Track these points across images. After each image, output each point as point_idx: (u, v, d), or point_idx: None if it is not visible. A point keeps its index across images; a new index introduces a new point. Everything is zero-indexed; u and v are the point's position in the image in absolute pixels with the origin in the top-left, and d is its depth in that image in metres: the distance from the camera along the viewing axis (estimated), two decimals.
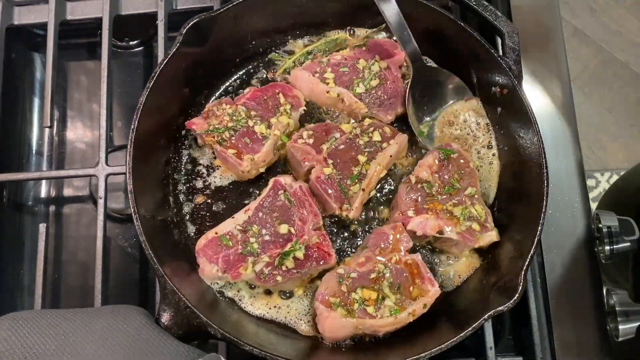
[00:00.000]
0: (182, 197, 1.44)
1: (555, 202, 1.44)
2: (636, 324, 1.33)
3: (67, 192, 1.70)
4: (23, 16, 1.68)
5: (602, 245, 1.39)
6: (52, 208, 1.70)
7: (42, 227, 1.45)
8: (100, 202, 1.45)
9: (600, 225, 1.39)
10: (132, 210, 1.23)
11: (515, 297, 1.15)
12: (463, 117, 1.46)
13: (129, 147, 1.28)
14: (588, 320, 1.37)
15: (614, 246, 1.37)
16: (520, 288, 1.15)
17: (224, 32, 1.38)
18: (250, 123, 1.36)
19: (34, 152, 1.74)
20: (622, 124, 3.26)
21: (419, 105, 1.44)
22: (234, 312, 1.32)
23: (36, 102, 1.78)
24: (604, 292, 1.39)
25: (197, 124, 1.37)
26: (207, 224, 1.41)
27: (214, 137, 1.36)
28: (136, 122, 1.29)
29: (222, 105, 1.39)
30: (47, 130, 1.75)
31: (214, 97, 1.52)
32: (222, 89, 1.53)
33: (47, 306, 1.56)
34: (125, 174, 1.27)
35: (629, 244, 1.37)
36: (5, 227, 1.66)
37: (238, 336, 1.15)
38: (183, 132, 1.47)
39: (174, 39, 1.67)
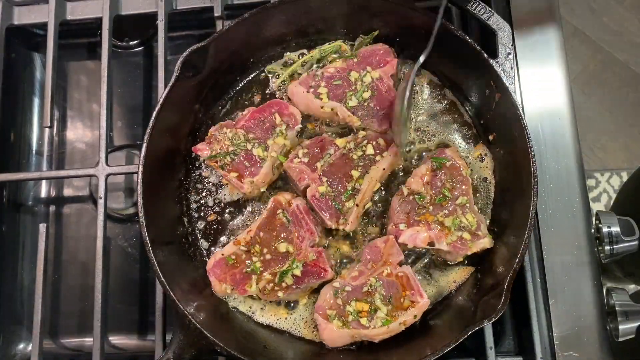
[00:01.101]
0: (194, 215, 1.47)
1: (555, 202, 1.44)
2: (636, 324, 1.34)
3: (67, 192, 1.70)
4: (23, 16, 1.68)
5: (602, 245, 1.39)
6: (52, 208, 1.70)
7: (42, 227, 1.45)
8: (100, 202, 1.45)
9: (600, 225, 1.39)
10: (145, 242, 1.27)
11: (498, 308, 1.15)
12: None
13: (138, 178, 1.30)
14: (588, 320, 1.37)
15: (614, 246, 1.38)
16: (502, 301, 1.16)
17: (219, 56, 1.39)
18: (249, 146, 1.40)
19: (34, 152, 1.74)
20: (622, 124, 3.26)
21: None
22: (247, 322, 1.38)
23: (36, 102, 1.78)
24: (604, 292, 1.39)
25: (201, 150, 1.42)
26: (220, 239, 1.45)
27: (216, 162, 1.40)
28: (144, 150, 1.31)
29: (223, 129, 1.42)
30: (47, 130, 1.75)
31: (220, 115, 1.53)
32: (226, 106, 1.54)
33: (47, 306, 1.56)
34: (138, 202, 1.29)
35: (629, 244, 1.38)
36: (5, 227, 1.66)
37: (245, 352, 1.22)
38: (192, 155, 1.48)
39: (174, 39, 1.68)
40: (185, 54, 1.31)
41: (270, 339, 1.35)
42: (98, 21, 1.61)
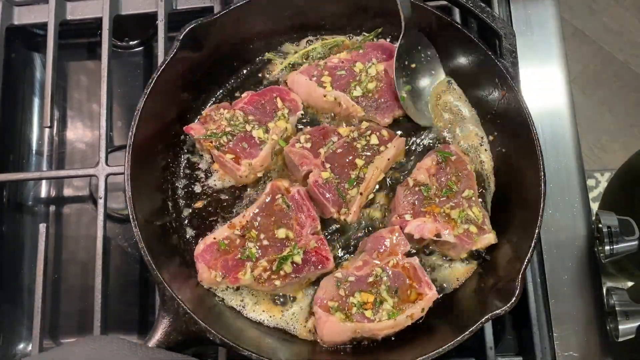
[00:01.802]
0: (181, 202, 1.43)
1: (555, 202, 1.44)
2: (636, 324, 1.34)
3: (67, 192, 1.70)
4: (23, 16, 1.68)
5: (602, 245, 1.39)
6: (52, 208, 1.70)
7: (42, 227, 1.45)
8: (100, 202, 1.45)
9: (600, 225, 1.39)
10: (131, 216, 1.23)
11: (513, 301, 1.14)
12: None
13: (127, 152, 1.27)
14: (588, 320, 1.37)
15: (614, 246, 1.37)
16: (517, 291, 1.15)
17: (221, 36, 1.38)
18: (248, 128, 1.36)
19: (34, 152, 1.74)
20: (622, 124, 3.26)
21: (405, 71, 1.44)
22: (235, 318, 1.32)
23: (36, 102, 1.78)
24: (604, 292, 1.39)
25: (195, 129, 1.37)
26: (206, 228, 1.41)
27: (211, 142, 1.35)
28: (134, 128, 1.28)
29: (220, 110, 1.39)
30: (47, 130, 1.75)
31: (212, 101, 1.51)
32: (219, 92, 1.52)
33: (47, 306, 1.56)
34: (123, 177, 1.27)
35: (629, 244, 1.37)
36: (5, 227, 1.66)
37: (237, 341, 1.16)
38: (182, 137, 1.46)
39: (174, 39, 1.67)
40: (190, 25, 1.29)
41: (262, 338, 1.30)
42: (98, 21, 1.61)
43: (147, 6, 1.64)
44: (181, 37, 1.29)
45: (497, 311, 1.14)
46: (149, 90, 1.30)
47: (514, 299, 1.14)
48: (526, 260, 1.19)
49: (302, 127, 1.47)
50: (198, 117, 1.43)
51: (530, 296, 1.37)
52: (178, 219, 1.42)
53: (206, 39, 1.35)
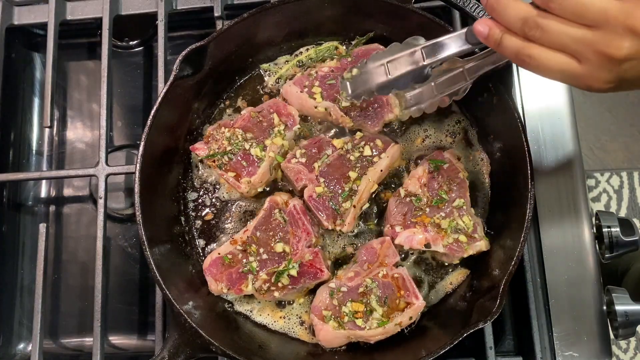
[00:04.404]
0: (192, 214, 1.46)
1: (555, 202, 1.44)
2: (636, 324, 1.34)
3: (67, 192, 1.71)
4: (23, 16, 1.68)
5: (602, 245, 1.39)
6: (52, 208, 1.70)
7: (42, 227, 1.45)
8: (100, 202, 1.45)
9: (601, 225, 1.39)
10: (142, 241, 1.27)
11: (494, 311, 1.15)
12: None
13: (136, 175, 1.29)
14: (588, 320, 1.37)
15: (614, 246, 1.38)
16: (497, 304, 1.16)
17: (217, 56, 1.39)
18: (247, 146, 1.40)
19: (34, 152, 1.74)
20: (622, 124, 3.26)
21: None
22: (244, 322, 1.38)
23: (36, 102, 1.78)
24: (604, 291, 1.39)
25: (199, 149, 1.42)
26: (217, 238, 1.45)
27: (214, 162, 1.40)
28: (142, 149, 1.30)
29: (221, 129, 1.42)
30: (47, 130, 1.75)
31: (217, 111, 1.53)
32: (224, 106, 1.53)
33: (47, 306, 1.56)
34: (134, 200, 1.29)
35: (629, 244, 1.38)
36: (5, 227, 1.66)
37: (240, 352, 1.22)
38: (191, 154, 1.48)
39: (174, 39, 1.68)
40: (184, 52, 1.31)
41: (266, 338, 1.35)
42: (98, 21, 1.61)
43: (147, 6, 1.64)
44: (177, 66, 1.30)
45: (479, 325, 1.16)
46: (152, 120, 1.32)
47: (494, 309, 1.15)
48: (507, 274, 1.20)
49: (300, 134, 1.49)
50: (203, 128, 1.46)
51: (530, 296, 1.37)
52: (190, 231, 1.46)
53: (203, 62, 1.37)
